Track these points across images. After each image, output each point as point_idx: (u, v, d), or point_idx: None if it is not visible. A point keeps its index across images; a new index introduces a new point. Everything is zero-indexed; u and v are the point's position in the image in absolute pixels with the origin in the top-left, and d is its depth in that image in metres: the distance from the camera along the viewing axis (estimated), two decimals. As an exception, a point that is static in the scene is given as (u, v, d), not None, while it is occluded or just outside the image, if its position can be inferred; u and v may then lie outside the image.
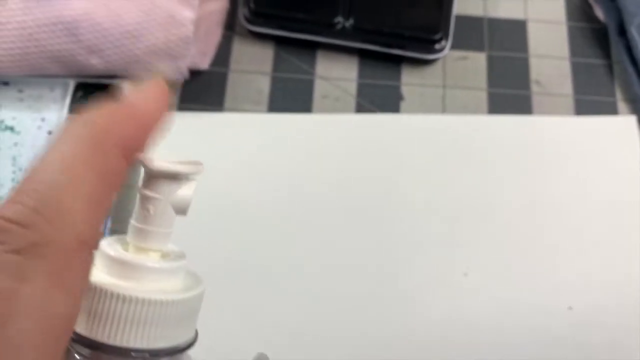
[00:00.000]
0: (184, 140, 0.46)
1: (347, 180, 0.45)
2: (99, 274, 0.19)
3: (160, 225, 0.21)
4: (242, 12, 0.48)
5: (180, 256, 0.21)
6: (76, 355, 0.18)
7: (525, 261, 0.43)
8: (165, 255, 0.21)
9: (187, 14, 0.43)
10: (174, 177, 0.21)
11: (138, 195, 0.21)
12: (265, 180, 0.45)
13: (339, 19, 0.47)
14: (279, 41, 0.49)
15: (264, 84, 0.48)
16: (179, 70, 0.45)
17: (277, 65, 0.49)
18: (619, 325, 0.42)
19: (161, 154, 0.21)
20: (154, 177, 0.21)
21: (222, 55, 0.49)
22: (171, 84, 0.21)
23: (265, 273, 0.42)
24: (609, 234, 0.44)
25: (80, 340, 0.18)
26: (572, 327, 0.42)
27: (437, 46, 0.47)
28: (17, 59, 0.44)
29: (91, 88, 0.46)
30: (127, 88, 0.20)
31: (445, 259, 0.43)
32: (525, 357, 0.41)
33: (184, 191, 0.21)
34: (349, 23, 0.47)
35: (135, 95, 0.20)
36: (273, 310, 0.42)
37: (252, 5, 0.47)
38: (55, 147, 0.17)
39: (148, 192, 0.20)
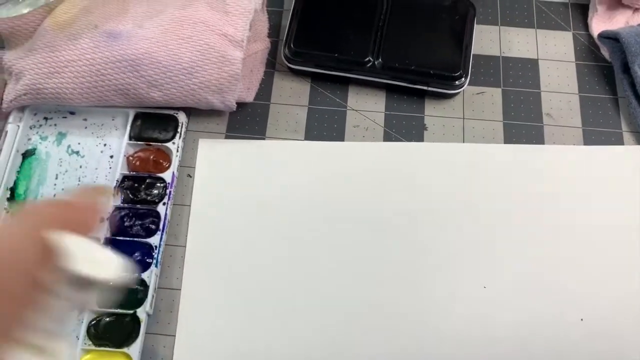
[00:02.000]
0: (230, 163, 0.51)
1: (376, 201, 0.50)
2: None
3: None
4: (283, 51, 0.53)
5: None
6: None
7: (540, 276, 0.47)
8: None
9: (237, 54, 0.49)
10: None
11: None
12: (301, 199, 0.50)
13: (369, 58, 0.52)
14: (314, 77, 0.55)
15: (302, 115, 0.53)
16: (228, 103, 0.50)
17: (313, 99, 0.54)
18: (628, 336, 0.46)
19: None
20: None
21: (265, 90, 0.54)
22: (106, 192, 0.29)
23: (304, 285, 0.47)
24: (617, 253, 0.48)
25: None
26: (584, 337, 0.46)
27: (457, 82, 0.52)
28: (86, 92, 0.49)
29: (148, 117, 0.52)
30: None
31: (466, 273, 0.47)
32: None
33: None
34: (378, 62, 0.52)
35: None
36: (297, 327, 0.46)
37: (292, 45, 0.53)
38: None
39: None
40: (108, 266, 0.27)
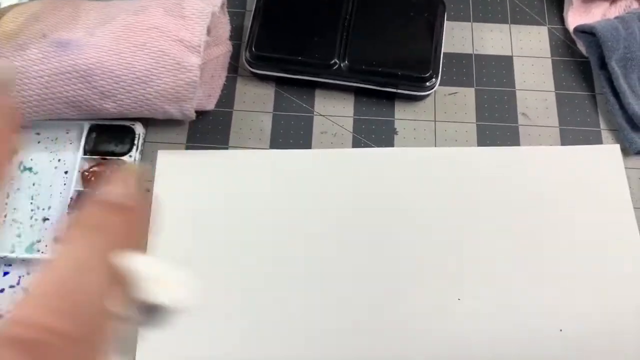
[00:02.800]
0: (191, 176, 0.49)
1: (345, 211, 0.48)
2: None
3: None
4: (245, 56, 0.51)
5: None
6: None
7: (517, 286, 0.45)
8: None
9: (194, 60, 0.46)
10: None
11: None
12: (267, 212, 0.47)
13: (336, 60, 0.50)
14: (279, 82, 0.52)
15: (266, 122, 0.51)
16: (186, 112, 0.48)
17: (278, 104, 0.52)
18: (607, 346, 0.44)
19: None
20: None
21: (227, 96, 0.52)
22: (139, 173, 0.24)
23: (262, 300, 0.45)
24: (596, 259, 0.46)
25: None
26: (563, 348, 0.44)
27: (427, 83, 0.50)
28: (35, 105, 0.47)
29: (104, 129, 0.49)
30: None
31: (439, 285, 0.45)
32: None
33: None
34: (345, 64, 0.50)
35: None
36: (268, 343, 0.44)
37: (253, 49, 0.50)
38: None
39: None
40: (181, 290, 0.24)
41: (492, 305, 0.45)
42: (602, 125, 0.51)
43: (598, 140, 0.51)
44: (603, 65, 0.52)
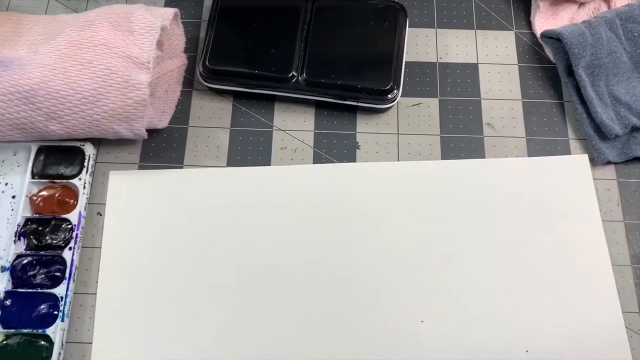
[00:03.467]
0: (145, 196, 0.47)
1: (306, 230, 0.46)
2: None
3: None
4: (198, 69, 0.49)
5: None
6: None
7: (482, 306, 0.44)
8: None
9: (143, 78, 0.44)
10: None
11: None
12: (224, 231, 0.46)
13: (293, 73, 0.48)
14: (237, 95, 0.50)
15: (224, 138, 0.49)
16: (137, 131, 0.46)
17: (235, 119, 0.50)
18: (573, 366, 0.43)
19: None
20: None
21: (183, 112, 0.50)
22: None
23: (227, 323, 0.43)
24: (564, 276, 0.45)
25: None
26: (530, 369, 0.43)
27: (389, 95, 0.48)
28: (-22, 128, 0.45)
29: (53, 150, 0.47)
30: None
31: (402, 306, 0.44)
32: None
33: None
34: (303, 77, 0.48)
35: None
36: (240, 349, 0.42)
37: (207, 63, 0.48)
38: None
39: None
40: None
41: (457, 326, 0.44)
42: (571, 134, 0.50)
43: (566, 150, 0.49)
44: (570, 72, 0.50)
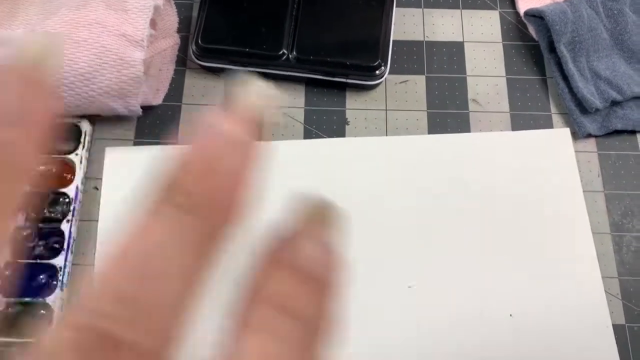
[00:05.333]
0: (140, 172, 0.48)
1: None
2: None
3: None
4: (191, 48, 0.50)
5: None
6: None
7: (468, 272, 0.46)
8: None
9: (137, 55, 0.46)
10: None
11: None
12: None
13: (284, 51, 0.49)
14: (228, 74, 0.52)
15: (216, 115, 0.50)
16: (132, 108, 0.47)
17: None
18: (554, 327, 0.44)
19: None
20: None
21: (176, 90, 0.51)
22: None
23: (220, 300, 0.45)
24: (546, 244, 0.47)
25: None
26: (514, 333, 0.44)
27: (377, 72, 0.49)
28: (-24, 105, 0.46)
29: (50, 128, 0.48)
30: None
31: (389, 272, 0.45)
32: (470, 363, 0.44)
33: None
34: (293, 55, 0.49)
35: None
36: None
37: (199, 41, 0.49)
38: None
39: None
40: None
41: (443, 291, 0.45)
42: (553, 109, 0.51)
43: (549, 125, 0.51)
44: (553, 49, 0.52)
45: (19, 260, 0.44)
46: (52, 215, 0.46)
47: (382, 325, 0.44)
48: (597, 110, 0.50)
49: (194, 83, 0.51)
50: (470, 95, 0.51)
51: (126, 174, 0.48)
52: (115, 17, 0.47)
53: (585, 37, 0.51)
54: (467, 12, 0.55)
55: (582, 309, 0.45)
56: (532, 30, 0.53)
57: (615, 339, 0.44)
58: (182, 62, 0.52)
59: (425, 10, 0.54)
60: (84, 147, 0.48)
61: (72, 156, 0.47)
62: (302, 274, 0.15)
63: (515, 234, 0.47)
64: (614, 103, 0.50)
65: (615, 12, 0.51)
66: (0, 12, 0.48)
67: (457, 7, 0.55)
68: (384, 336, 0.44)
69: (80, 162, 0.47)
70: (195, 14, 0.54)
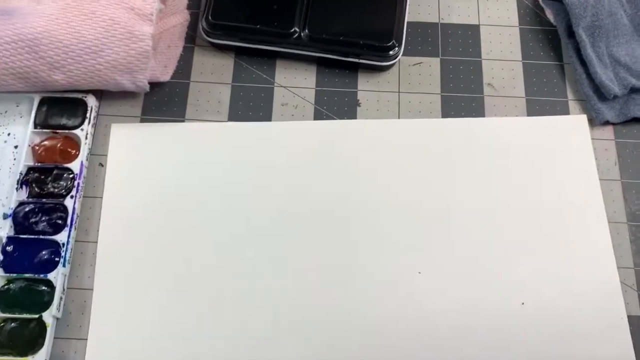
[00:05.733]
0: (146, 149, 0.47)
1: (306, 185, 0.46)
2: None
3: None
4: (202, 24, 0.49)
5: None
6: None
7: (479, 259, 0.45)
8: None
9: (146, 29, 0.45)
10: None
11: None
12: (225, 187, 0.46)
13: (296, 29, 0.48)
14: (239, 52, 0.51)
15: (225, 94, 0.49)
16: (139, 83, 0.46)
17: (237, 75, 0.50)
18: (567, 316, 0.43)
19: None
20: None
21: (185, 67, 0.50)
22: None
23: (223, 278, 0.44)
24: (561, 232, 0.46)
25: None
26: (525, 322, 0.43)
27: (391, 52, 0.48)
28: (-19, 77, 0.45)
29: (55, 102, 0.47)
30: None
31: (400, 258, 0.44)
32: (481, 350, 0.42)
33: None
34: (305, 33, 0.48)
35: None
36: (227, 317, 0.43)
37: (210, 18, 0.48)
38: None
39: None
40: None
41: (454, 278, 0.44)
42: (570, 95, 0.50)
43: (565, 111, 0.50)
44: (571, 33, 0.51)
45: (21, 236, 0.43)
46: (56, 190, 0.45)
47: (390, 307, 0.43)
48: (615, 97, 0.48)
49: (202, 60, 0.50)
50: (485, 80, 0.50)
51: (132, 151, 0.47)
52: (125, -10, 0.46)
53: (605, 22, 0.49)
54: (483, -5, 0.53)
55: (597, 299, 0.44)
56: (549, 14, 0.52)
57: (630, 330, 0.43)
58: (191, 39, 0.51)
59: (440, -9, 0.53)
60: (89, 122, 0.47)
61: (77, 131, 0.46)
62: None
63: (529, 222, 0.46)
64: (633, 90, 0.49)
65: (636, -3, 0.50)
66: (7, -18, 0.47)
67: (473, -10, 0.53)
68: (391, 318, 0.43)
69: (86, 137, 0.46)
70: (205, -10, 0.53)
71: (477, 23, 0.52)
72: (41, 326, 0.41)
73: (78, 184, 0.45)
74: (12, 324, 0.41)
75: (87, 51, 0.44)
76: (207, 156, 0.47)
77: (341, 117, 0.49)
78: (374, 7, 0.49)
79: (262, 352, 0.42)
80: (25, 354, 0.40)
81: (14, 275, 0.42)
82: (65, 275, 0.43)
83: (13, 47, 0.44)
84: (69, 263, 0.43)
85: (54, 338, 0.42)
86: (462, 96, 0.50)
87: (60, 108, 0.47)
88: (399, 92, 0.50)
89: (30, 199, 0.44)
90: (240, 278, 0.44)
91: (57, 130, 0.46)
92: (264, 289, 0.43)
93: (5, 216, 0.44)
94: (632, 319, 0.43)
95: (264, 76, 0.50)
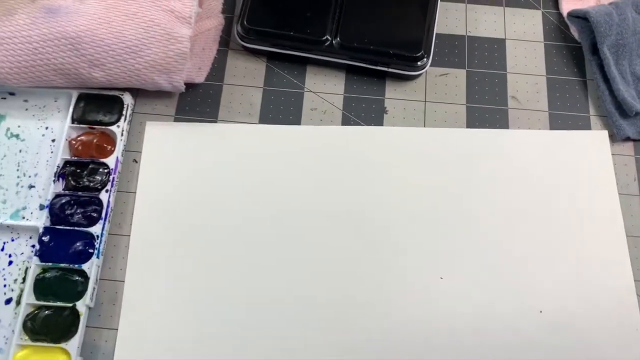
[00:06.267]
0: (179, 148, 0.49)
1: (333, 189, 0.48)
2: None
3: None
4: (236, 29, 0.51)
5: None
6: None
7: (499, 267, 0.46)
8: None
9: (184, 32, 0.46)
10: None
11: None
12: (254, 186, 0.47)
13: (327, 37, 0.49)
14: (271, 57, 0.52)
15: (256, 97, 0.51)
16: (176, 83, 0.47)
17: (268, 79, 0.51)
18: (584, 326, 0.44)
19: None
20: None
21: (218, 70, 0.52)
22: None
23: (252, 275, 0.45)
24: (579, 244, 0.47)
25: None
26: (543, 329, 0.44)
27: (419, 63, 0.49)
28: (23, 72, 0.46)
29: (92, 98, 0.49)
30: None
31: (423, 263, 0.46)
32: (498, 356, 0.44)
33: None
34: (337, 41, 0.49)
35: None
36: (255, 314, 0.44)
37: (245, 23, 0.50)
38: None
39: None
40: None
41: (475, 285, 0.45)
42: (592, 111, 0.51)
43: (587, 126, 0.51)
44: (595, 51, 0.52)
45: (57, 227, 0.45)
46: (92, 184, 0.46)
47: (412, 311, 0.44)
48: (637, 114, 0.49)
49: (235, 64, 0.52)
50: (510, 92, 0.51)
51: (165, 149, 0.49)
52: (165, -7, 0.47)
53: (629, 40, 0.50)
54: (509, 10, 0.55)
55: (613, 311, 0.45)
56: (574, 31, 0.53)
57: (646, 342, 0.44)
58: (225, 43, 0.53)
59: (468, 5, 0.55)
60: (125, 119, 0.48)
61: (113, 128, 0.48)
62: None
63: (549, 232, 0.47)
64: (654, 108, 0.50)
65: (660, 17, 0.51)
66: (51, -19, 0.48)
67: (500, 5, 0.55)
68: (412, 321, 0.44)
69: (122, 134, 0.48)
70: (239, -4, 0.54)
71: (504, 37, 0.54)
72: (74, 315, 0.42)
73: (113, 178, 0.46)
74: (47, 311, 0.43)
75: (127, 50, 0.46)
76: (237, 156, 0.49)
77: (368, 124, 0.50)
78: (404, 18, 0.50)
79: (288, 353, 0.43)
80: (58, 341, 0.42)
81: (50, 264, 0.44)
82: (99, 267, 0.44)
83: (56, 44, 0.46)
84: (102, 255, 0.45)
85: (86, 327, 0.43)
86: (487, 108, 0.51)
87: (97, 104, 0.49)
88: (425, 101, 0.51)
89: (67, 192, 0.46)
90: (268, 272, 0.45)
91: (94, 126, 0.48)
92: (289, 284, 0.45)
93: (42, 207, 0.46)
94: (647, 331, 0.44)
95: (295, 81, 0.51)
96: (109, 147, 0.48)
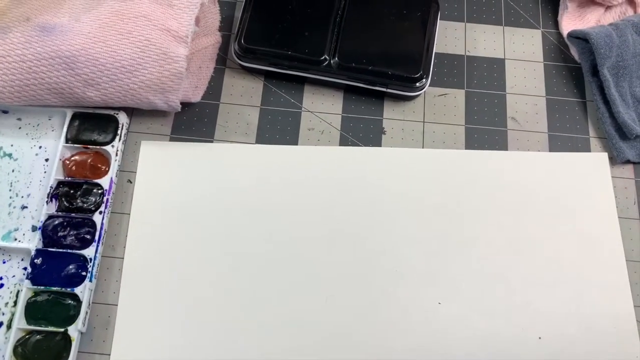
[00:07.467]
0: (174, 168, 0.48)
1: (330, 210, 0.47)
2: None
3: None
4: (233, 48, 0.50)
5: None
6: None
7: (498, 292, 0.45)
8: None
9: (180, 51, 0.45)
10: None
11: None
12: (250, 208, 0.47)
13: (326, 57, 0.49)
14: (268, 75, 0.51)
15: (253, 116, 0.50)
16: (172, 103, 0.47)
17: (266, 99, 0.51)
18: (583, 353, 0.44)
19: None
20: None
21: (215, 88, 0.51)
22: None
23: (250, 296, 0.44)
24: (578, 268, 0.46)
25: None
26: (541, 356, 0.44)
27: (418, 84, 0.49)
28: (16, 90, 0.46)
29: (87, 117, 0.48)
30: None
31: (421, 287, 0.45)
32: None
33: None
34: (335, 61, 0.49)
35: None
36: (256, 336, 0.43)
37: (242, 41, 0.49)
38: None
39: None
40: None
41: (473, 311, 0.45)
42: (592, 132, 0.51)
43: (586, 148, 0.50)
44: (595, 72, 0.51)
45: (50, 249, 0.44)
46: (85, 205, 0.46)
47: (410, 337, 0.44)
48: (637, 136, 0.49)
49: (232, 82, 0.51)
50: (509, 113, 0.51)
51: (160, 169, 0.48)
52: (161, 12, 0.47)
53: (629, 62, 0.50)
54: (509, 30, 0.54)
55: (613, 337, 0.45)
56: (574, 52, 0.53)
57: (646, 369, 0.43)
58: (222, 61, 0.52)
59: (468, 24, 0.54)
60: (120, 139, 0.48)
61: (108, 147, 0.47)
62: None
63: (548, 256, 0.47)
64: (655, 131, 0.50)
65: (660, 39, 0.51)
66: (47, 0, 0.48)
67: (499, 24, 0.54)
68: (410, 347, 0.43)
69: (116, 154, 0.47)
70: (237, 13, 0.54)
71: (503, 57, 0.53)
72: (66, 340, 0.42)
73: (107, 199, 0.46)
74: (38, 336, 0.42)
75: (122, 70, 0.45)
76: (234, 177, 0.48)
77: (366, 144, 0.50)
78: (403, 38, 0.50)
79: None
80: (49, 367, 0.41)
81: (42, 287, 0.43)
82: (91, 290, 0.44)
83: (50, 63, 0.45)
84: (95, 278, 0.44)
85: (78, 352, 0.42)
86: (486, 129, 0.50)
87: (91, 124, 0.48)
88: (423, 121, 0.51)
89: (60, 213, 0.45)
90: (264, 298, 0.44)
91: (88, 146, 0.47)
92: (285, 311, 0.44)
93: (34, 228, 0.45)
94: (647, 359, 0.44)
95: (292, 100, 0.51)
96: (104, 167, 0.47)
